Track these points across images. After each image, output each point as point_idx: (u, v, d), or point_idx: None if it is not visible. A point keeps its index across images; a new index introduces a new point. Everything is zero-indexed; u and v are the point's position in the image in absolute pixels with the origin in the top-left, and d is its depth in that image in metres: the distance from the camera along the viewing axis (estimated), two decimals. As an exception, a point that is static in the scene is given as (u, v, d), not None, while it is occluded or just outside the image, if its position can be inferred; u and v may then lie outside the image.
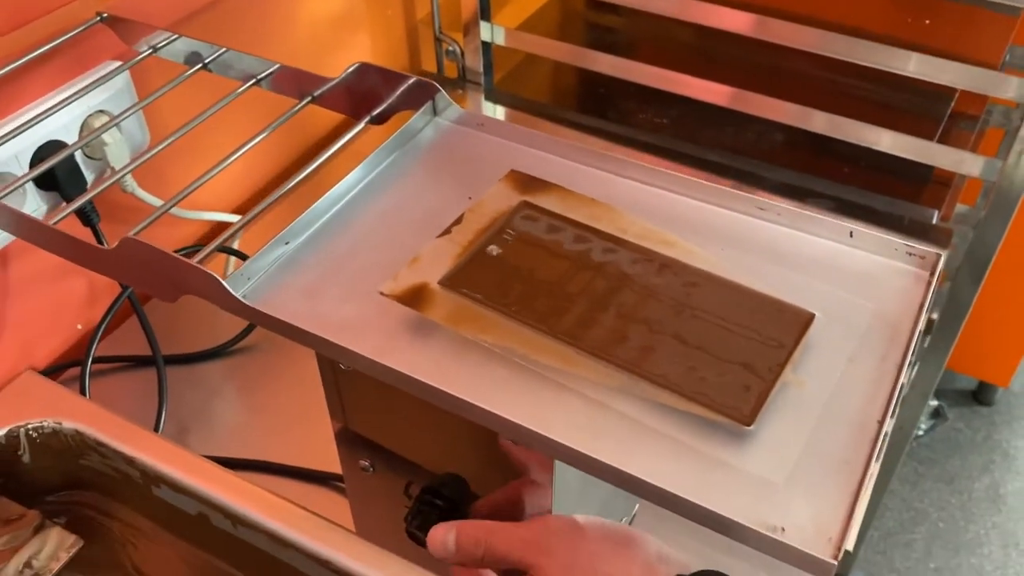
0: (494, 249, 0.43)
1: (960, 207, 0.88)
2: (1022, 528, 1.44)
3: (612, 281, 0.42)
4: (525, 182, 0.47)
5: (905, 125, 0.85)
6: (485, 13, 0.93)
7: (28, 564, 0.42)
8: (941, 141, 0.86)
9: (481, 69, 0.98)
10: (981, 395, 1.62)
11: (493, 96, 0.99)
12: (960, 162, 0.79)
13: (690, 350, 0.38)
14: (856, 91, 0.92)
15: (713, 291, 0.41)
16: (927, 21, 0.87)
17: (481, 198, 0.46)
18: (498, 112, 0.98)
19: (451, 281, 0.41)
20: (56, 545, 0.43)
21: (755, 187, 0.86)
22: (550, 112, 0.97)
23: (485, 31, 0.95)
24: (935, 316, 0.91)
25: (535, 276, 0.42)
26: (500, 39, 0.95)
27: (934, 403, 1.60)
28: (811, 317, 0.40)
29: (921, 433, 1.57)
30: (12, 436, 0.47)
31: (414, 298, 0.41)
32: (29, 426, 0.47)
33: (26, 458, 0.47)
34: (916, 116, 0.91)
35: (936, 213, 0.83)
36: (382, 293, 0.41)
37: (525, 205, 0.45)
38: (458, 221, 0.45)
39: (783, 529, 0.33)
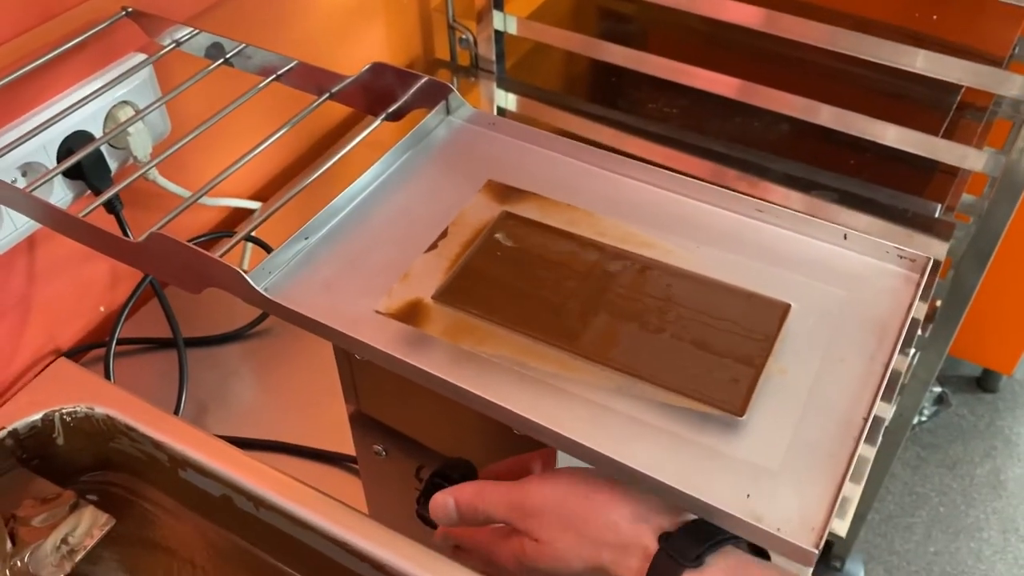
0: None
1: (967, 197, 0.89)
2: (1021, 514, 1.46)
3: (598, 285, 0.43)
4: (503, 192, 0.49)
5: (913, 115, 0.86)
6: (498, 2, 0.95)
7: (64, 540, 0.45)
8: (949, 131, 0.87)
9: (493, 57, 0.99)
10: (985, 382, 1.63)
11: (505, 84, 1.00)
12: (964, 157, 0.80)
13: (679, 347, 0.41)
14: (865, 80, 0.93)
15: (694, 289, 0.43)
16: (934, 16, 0.88)
17: (463, 210, 0.47)
18: (509, 100, 1.00)
19: (444, 295, 0.43)
20: (90, 523, 0.46)
21: (761, 178, 0.87)
22: (560, 101, 0.99)
23: (498, 20, 0.96)
24: (939, 303, 0.93)
25: (524, 285, 0.43)
26: (512, 28, 0.96)
27: (938, 389, 1.61)
28: (787, 307, 0.42)
29: (924, 419, 1.59)
30: (48, 420, 0.49)
31: (410, 314, 0.42)
32: (63, 411, 0.49)
33: (60, 441, 0.50)
34: (924, 106, 0.92)
35: (939, 207, 0.84)
36: (378, 311, 0.42)
37: (507, 215, 0.47)
38: (443, 235, 0.46)
39: (778, 529, 0.35)
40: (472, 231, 0.46)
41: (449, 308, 0.42)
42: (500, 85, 1.00)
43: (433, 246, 0.46)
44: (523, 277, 0.44)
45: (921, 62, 0.76)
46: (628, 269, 0.44)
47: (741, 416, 0.38)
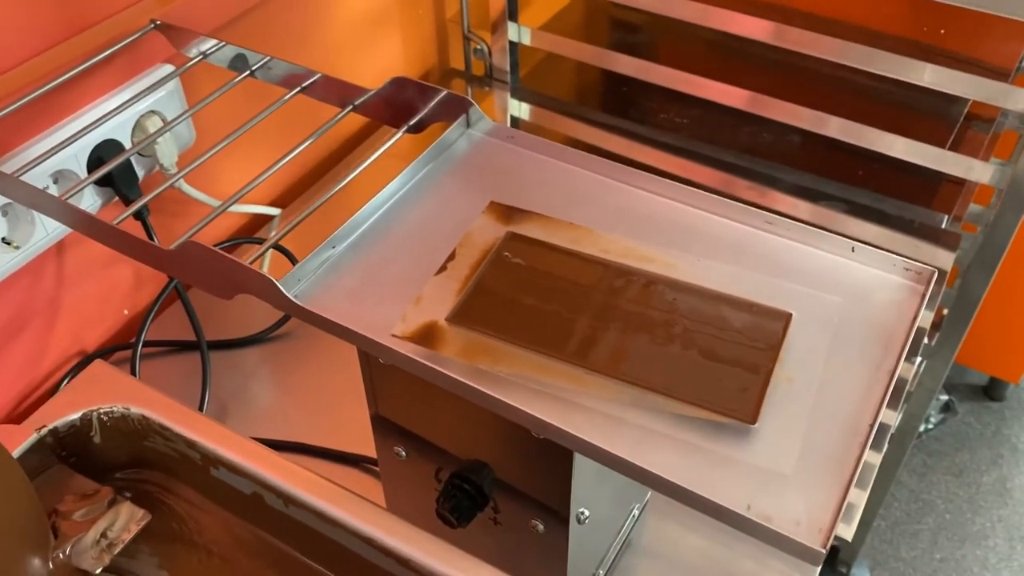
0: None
1: (974, 207, 0.91)
2: (1027, 521, 1.47)
3: (605, 301, 0.45)
4: (507, 213, 0.50)
5: (922, 125, 0.87)
6: (513, 14, 0.97)
7: (104, 534, 0.47)
8: (957, 141, 0.89)
9: (507, 68, 1.01)
10: (992, 390, 1.64)
11: (519, 94, 1.02)
12: (970, 169, 0.81)
13: (687, 359, 0.42)
14: (875, 90, 0.94)
15: (698, 301, 0.45)
16: (942, 31, 0.89)
17: (468, 231, 0.49)
18: (523, 109, 1.01)
19: (457, 317, 0.44)
20: (128, 518, 0.48)
21: (770, 188, 0.89)
22: (573, 110, 1.00)
23: (512, 31, 0.98)
24: (945, 312, 0.94)
25: (533, 303, 0.45)
26: (526, 39, 0.98)
27: (944, 397, 1.62)
28: (789, 316, 0.44)
29: (931, 426, 1.60)
30: (86, 419, 0.51)
31: (425, 336, 0.44)
32: (100, 410, 0.51)
33: (97, 439, 0.52)
34: (933, 116, 0.93)
35: (946, 218, 0.86)
36: (394, 335, 0.44)
37: (512, 236, 0.48)
38: (451, 257, 0.47)
39: (786, 530, 0.36)
40: (479, 252, 0.48)
41: (463, 329, 0.44)
42: (514, 95, 1.02)
43: (443, 268, 0.47)
44: (532, 296, 0.45)
45: (928, 76, 0.78)
46: (633, 284, 0.46)
47: (753, 424, 0.40)
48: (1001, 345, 1.51)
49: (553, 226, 0.49)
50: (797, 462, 0.39)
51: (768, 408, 0.41)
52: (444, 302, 0.45)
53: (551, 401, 0.41)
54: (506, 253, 0.47)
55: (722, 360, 0.42)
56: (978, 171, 0.81)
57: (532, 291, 0.46)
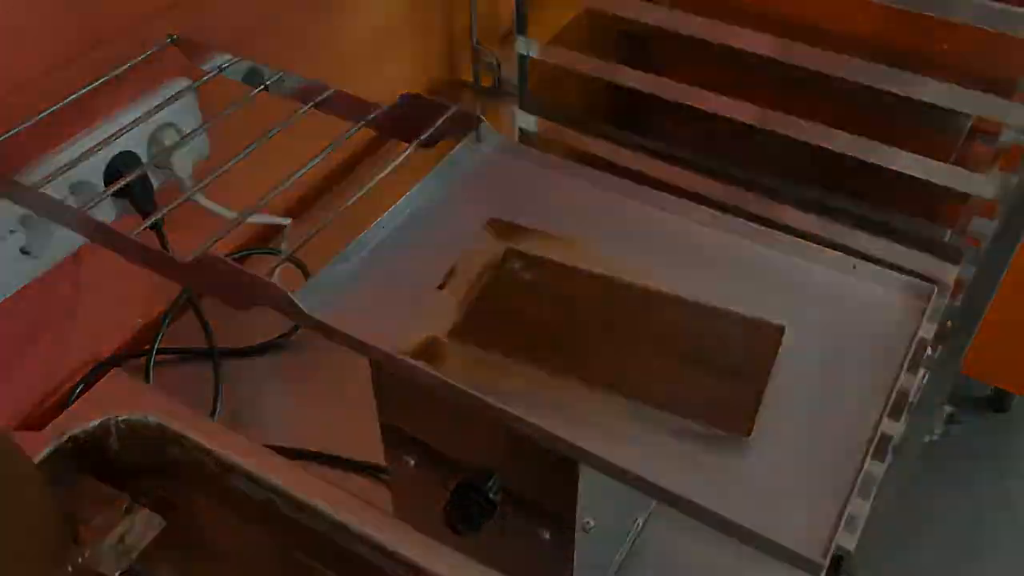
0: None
1: (978, 220, 0.91)
2: (1031, 533, 1.47)
3: (603, 315, 0.46)
4: (505, 230, 0.51)
5: (926, 139, 0.88)
6: (521, 27, 0.98)
7: (121, 539, 0.49)
8: (962, 154, 0.90)
9: (516, 80, 1.02)
10: (996, 402, 1.65)
11: (527, 106, 1.03)
12: (973, 184, 0.82)
13: (685, 373, 0.43)
14: (882, 102, 0.94)
15: (696, 316, 0.46)
16: (945, 46, 0.90)
17: (469, 248, 0.50)
18: (531, 122, 1.03)
19: (458, 333, 0.45)
20: (145, 524, 0.49)
21: (776, 201, 0.90)
22: (580, 122, 1.01)
23: (521, 45, 0.99)
24: (949, 324, 0.95)
25: (532, 318, 0.46)
26: (535, 53, 0.99)
27: (949, 409, 1.63)
28: (782, 329, 0.45)
29: (935, 438, 1.60)
30: (104, 427, 0.53)
31: (427, 352, 0.45)
32: (119, 418, 0.53)
33: (115, 446, 0.53)
34: (938, 130, 0.94)
35: (949, 232, 0.87)
36: (397, 351, 0.44)
37: (511, 252, 0.50)
38: (452, 273, 0.49)
39: (787, 541, 0.37)
40: (479, 268, 0.49)
41: (463, 345, 0.45)
42: (522, 107, 1.03)
43: (443, 284, 0.48)
44: (531, 312, 0.46)
45: (932, 91, 0.79)
46: (632, 299, 0.47)
47: (748, 436, 0.41)
48: (1005, 357, 1.52)
49: (551, 242, 0.50)
50: (795, 473, 0.40)
51: (765, 421, 0.42)
52: (445, 318, 0.46)
53: (551, 413, 0.42)
54: (505, 269, 0.49)
55: (718, 374, 0.43)
56: (981, 185, 0.81)
57: (530, 307, 0.47)
